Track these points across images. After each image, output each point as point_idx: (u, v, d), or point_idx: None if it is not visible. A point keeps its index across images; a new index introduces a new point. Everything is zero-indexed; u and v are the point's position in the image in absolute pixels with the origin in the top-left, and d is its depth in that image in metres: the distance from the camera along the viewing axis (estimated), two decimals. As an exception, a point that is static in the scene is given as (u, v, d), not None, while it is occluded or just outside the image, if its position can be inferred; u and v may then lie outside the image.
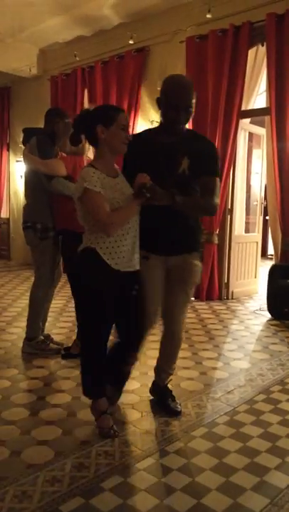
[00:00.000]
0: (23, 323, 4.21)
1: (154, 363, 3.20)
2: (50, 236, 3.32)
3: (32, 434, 2.27)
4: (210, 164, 2.28)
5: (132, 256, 2.18)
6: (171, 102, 2.19)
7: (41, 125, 3.57)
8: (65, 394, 2.74)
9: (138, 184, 2.09)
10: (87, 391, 2.31)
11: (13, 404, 2.61)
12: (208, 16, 5.03)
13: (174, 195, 2.12)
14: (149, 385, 2.85)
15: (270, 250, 7.49)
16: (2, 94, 8.26)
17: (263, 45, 4.88)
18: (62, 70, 6.98)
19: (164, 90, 2.25)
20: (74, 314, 3.42)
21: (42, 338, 3.47)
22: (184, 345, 3.60)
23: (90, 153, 3.24)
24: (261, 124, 5.58)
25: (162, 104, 2.24)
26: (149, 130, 2.48)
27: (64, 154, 3.28)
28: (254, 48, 5.03)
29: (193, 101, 2.24)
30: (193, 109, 2.26)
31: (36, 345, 3.41)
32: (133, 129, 6.01)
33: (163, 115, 2.26)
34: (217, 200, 2.26)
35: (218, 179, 2.28)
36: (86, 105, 6.67)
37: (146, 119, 5.95)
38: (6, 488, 1.84)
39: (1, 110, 8.29)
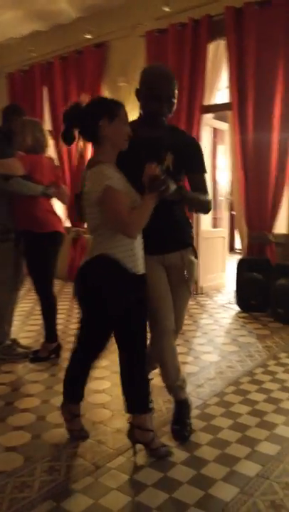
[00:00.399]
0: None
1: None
2: (11, 238, 3.25)
3: (1, 441, 2.21)
4: (197, 161, 2.20)
5: (142, 257, 2.03)
6: (152, 92, 2.06)
7: (-1, 124, 3.48)
8: (34, 398, 2.69)
9: (150, 177, 1.88)
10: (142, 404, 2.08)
11: (-19, 411, 2.54)
12: (167, 9, 5.02)
13: (182, 189, 2.02)
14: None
15: (238, 244, 7.59)
16: None
17: (223, 40, 4.92)
18: (19, 66, 6.83)
19: (145, 80, 2.13)
20: (41, 317, 3.38)
21: (9, 342, 3.39)
22: None
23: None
24: (225, 120, 5.64)
25: (142, 95, 2.12)
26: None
27: (21, 153, 3.21)
28: (215, 43, 5.05)
29: (176, 91, 2.12)
30: (176, 100, 2.14)
31: (3, 350, 3.33)
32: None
33: (143, 107, 2.14)
34: (210, 197, 2.23)
35: (206, 175, 2.24)
36: (45, 103, 6.57)
37: (108, 116, 5.90)
38: (-27, 498, 1.78)
39: None
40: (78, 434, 2.21)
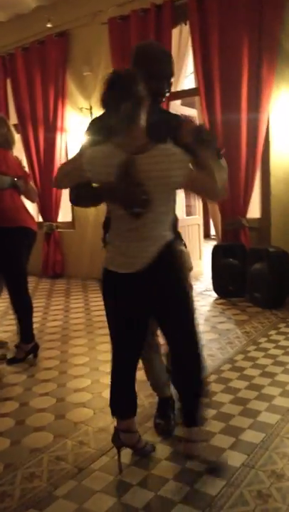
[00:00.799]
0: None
1: (103, 357, 3.16)
2: None
3: (-22, 449, 2.14)
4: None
5: None
6: (152, 71, 1.89)
7: None
8: (13, 401, 2.61)
9: (195, 129, 1.73)
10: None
11: None
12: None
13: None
14: (102, 380, 2.79)
15: (213, 231, 7.59)
16: None
17: (186, 24, 4.84)
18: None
19: (140, 59, 1.97)
20: (15, 317, 3.28)
21: None
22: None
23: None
24: (193, 105, 5.58)
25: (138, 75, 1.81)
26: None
27: None
28: (178, 28, 4.98)
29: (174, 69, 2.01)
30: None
31: None
32: (62, 117, 5.83)
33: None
34: None
35: None
36: (10, 96, 6.37)
37: (75, 107, 5.76)
38: None
39: None
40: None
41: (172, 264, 1.78)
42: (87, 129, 2.04)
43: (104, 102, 1.71)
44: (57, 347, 3.49)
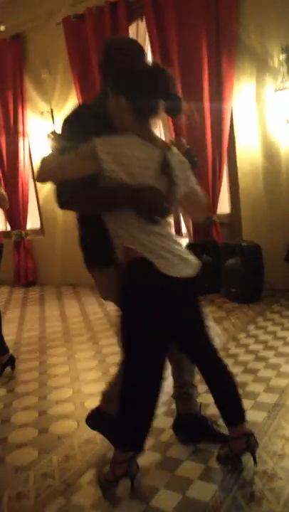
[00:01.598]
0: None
1: (83, 365, 3.10)
2: None
3: None
4: None
5: None
6: (129, 62, 1.74)
7: None
8: (-7, 419, 2.52)
9: (186, 150, 1.91)
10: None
11: None
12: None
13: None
14: (83, 389, 2.73)
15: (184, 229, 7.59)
16: None
17: (142, 21, 4.80)
18: None
19: (115, 53, 1.82)
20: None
21: None
22: (113, 340, 3.51)
23: None
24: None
25: (114, 69, 1.72)
26: (90, 108, 1.89)
27: None
28: (134, 24, 4.93)
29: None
30: None
31: None
32: (23, 122, 5.70)
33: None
34: None
35: None
36: None
37: (35, 111, 5.65)
38: None
39: None
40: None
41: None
42: (76, 116, 1.79)
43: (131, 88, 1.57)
44: (35, 358, 3.40)
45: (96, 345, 3.52)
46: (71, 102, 5.36)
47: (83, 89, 5.11)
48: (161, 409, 2.34)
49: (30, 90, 5.66)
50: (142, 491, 1.76)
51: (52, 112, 5.49)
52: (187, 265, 1.65)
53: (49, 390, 2.80)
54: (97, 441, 2.15)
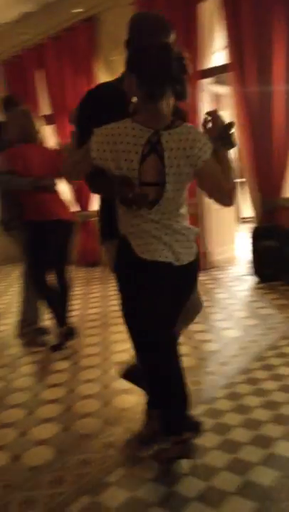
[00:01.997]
0: (9, 319, 4.11)
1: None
2: (16, 225, 3.25)
3: (30, 435, 2.20)
4: None
5: None
6: (146, 41, 1.71)
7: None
8: (60, 388, 2.66)
9: (221, 126, 1.71)
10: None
11: (9, 405, 2.53)
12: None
13: None
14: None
15: (245, 213, 7.44)
16: None
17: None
18: (12, 52, 6.62)
19: (132, 32, 1.82)
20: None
21: (37, 327, 3.46)
22: None
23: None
24: (224, 83, 5.43)
25: (132, 46, 1.76)
26: (112, 83, 1.95)
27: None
28: (205, 1, 4.81)
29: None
30: None
31: (29, 332, 3.36)
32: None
33: None
34: None
35: None
36: (42, 86, 6.37)
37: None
38: (11, 496, 1.77)
39: None
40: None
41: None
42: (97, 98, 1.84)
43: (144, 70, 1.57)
44: (98, 334, 3.53)
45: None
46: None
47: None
48: (222, 392, 2.37)
49: (100, 72, 5.73)
50: (202, 469, 1.81)
51: (121, 94, 5.54)
52: (170, 251, 1.67)
53: (111, 365, 2.91)
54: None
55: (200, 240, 5.26)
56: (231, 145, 1.72)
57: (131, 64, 1.61)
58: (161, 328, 1.74)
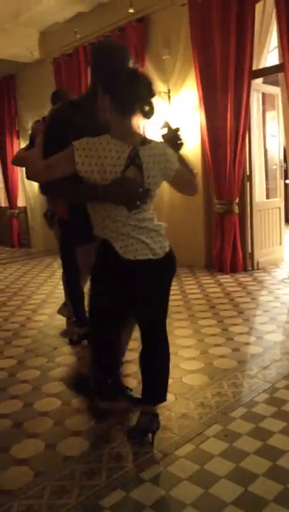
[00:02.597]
0: (48, 309, 4.18)
1: (181, 342, 3.13)
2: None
3: (65, 425, 2.21)
4: None
5: None
6: (121, 61, 2.02)
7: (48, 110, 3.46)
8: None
9: (174, 130, 2.07)
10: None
11: (45, 394, 2.55)
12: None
13: None
14: (182, 365, 2.77)
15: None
16: (7, 82, 8.09)
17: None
18: (63, 50, 6.74)
19: (100, 57, 2.10)
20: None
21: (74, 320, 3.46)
22: (212, 321, 3.51)
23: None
24: (275, 83, 5.31)
25: (104, 70, 2.00)
26: (76, 102, 2.20)
27: None
28: (261, 2, 4.71)
29: None
30: None
31: (69, 325, 3.38)
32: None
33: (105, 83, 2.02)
34: None
35: None
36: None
37: (153, 91, 5.70)
38: (44, 484, 1.78)
39: (7, 98, 8.13)
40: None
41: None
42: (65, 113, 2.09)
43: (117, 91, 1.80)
44: (136, 329, 3.50)
45: (195, 324, 3.53)
46: (189, 83, 5.33)
47: (202, 71, 5.04)
48: (263, 396, 2.29)
49: (150, 71, 5.71)
50: (240, 474, 1.74)
51: (169, 92, 5.51)
52: (148, 249, 1.86)
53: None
54: (194, 418, 2.18)
55: (244, 240, 5.20)
56: (181, 146, 2.07)
57: (105, 86, 1.86)
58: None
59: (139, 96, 1.80)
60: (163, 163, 1.88)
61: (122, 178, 1.78)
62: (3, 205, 9.05)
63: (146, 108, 1.82)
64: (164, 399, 2.06)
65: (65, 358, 3.07)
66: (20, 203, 8.52)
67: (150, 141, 1.88)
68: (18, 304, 4.56)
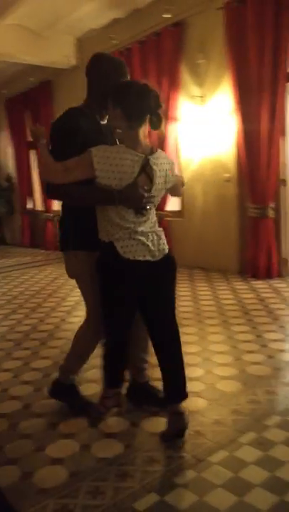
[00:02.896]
0: (81, 312, 4.22)
1: (214, 348, 3.12)
2: None
3: (100, 426, 2.24)
4: None
5: None
6: (118, 75, 2.16)
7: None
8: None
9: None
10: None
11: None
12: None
13: None
14: (215, 371, 2.76)
15: None
16: (44, 87, 8.28)
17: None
18: (99, 56, 6.84)
19: (103, 66, 2.21)
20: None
21: None
22: (245, 328, 3.48)
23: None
24: None
25: (105, 82, 2.13)
26: (81, 109, 2.26)
27: None
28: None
29: None
30: None
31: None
32: (174, 107, 5.82)
33: (102, 95, 2.13)
34: None
35: None
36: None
37: (187, 96, 5.72)
38: (78, 484, 1.81)
39: (43, 104, 8.32)
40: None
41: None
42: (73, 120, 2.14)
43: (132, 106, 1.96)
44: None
45: (228, 330, 3.50)
46: (223, 88, 5.31)
47: (237, 75, 5.02)
48: (273, 420, 2.21)
49: (185, 75, 5.74)
50: (275, 483, 1.72)
51: (203, 96, 5.50)
52: (147, 251, 2.01)
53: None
54: (227, 424, 2.17)
55: (279, 245, 5.12)
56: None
57: (116, 99, 1.98)
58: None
59: (148, 108, 1.97)
60: (165, 171, 2.05)
61: (135, 185, 1.94)
62: (39, 208, 9.24)
63: (154, 119, 2.01)
64: (183, 396, 2.12)
65: (98, 360, 3.09)
66: (56, 206, 8.69)
67: (157, 150, 2.04)
68: (52, 305, 4.65)
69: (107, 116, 2.22)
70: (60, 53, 6.99)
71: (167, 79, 5.81)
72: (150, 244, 2.01)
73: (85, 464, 1.96)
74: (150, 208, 2.02)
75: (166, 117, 5.86)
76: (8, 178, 9.87)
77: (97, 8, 6.08)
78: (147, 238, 2.01)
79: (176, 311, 3.93)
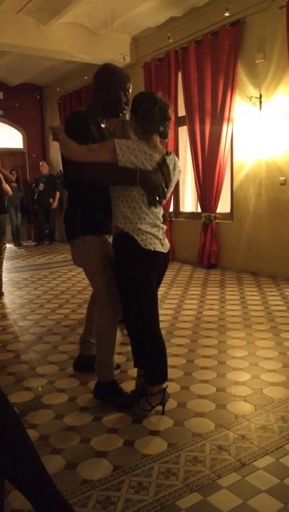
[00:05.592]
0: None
1: (262, 353, 3.06)
2: None
3: (144, 424, 2.26)
4: None
5: None
6: (124, 86, 2.38)
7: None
8: (174, 383, 2.67)
9: None
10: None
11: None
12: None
13: None
14: (262, 377, 2.71)
15: None
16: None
17: None
18: (154, 55, 6.87)
19: (113, 76, 2.38)
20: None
21: None
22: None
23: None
24: None
25: (112, 90, 2.36)
26: (86, 112, 2.44)
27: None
28: None
29: None
30: None
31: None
32: (230, 108, 5.74)
33: (112, 100, 2.37)
34: None
35: None
36: (180, 88, 6.52)
37: (243, 96, 5.63)
38: (122, 478, 1.84)
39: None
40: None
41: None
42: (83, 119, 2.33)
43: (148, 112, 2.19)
44: (214, 336, 3.49)
45: (277, 336, 3.42)
46: (282, 88, 5.19)
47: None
48: None
49: (242, 75, 5.65)
50: None
51: (260, 97, 5.40)
52: (160, 243, 2.24)
53: (228, 370, 2.85)
54: (275, 430, 2.13)
55: None
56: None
57: (132, 108, 2.25)
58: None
59: (155, 119, 2.17)
60: (177, 169, 2.28)
61: (158, 171, 2.14)
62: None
63: (162, 129, 2.20)
64: (166, 376, 2.37)
65: (118, 357, 3.07)
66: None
67: (170, 153, 2.25)
68: (79, 302, 4.72)
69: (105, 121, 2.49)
70: (116, 52, 7.08)
71: (223, 79, 5.74)
72: (162, 237, 2.25)
73: (128, 459, 1.97)
74: (162, 203, 2.22)
75: (222, 117, 5.80)
76: (60, 176, 10.12)
77: (155, 7, 6.11)
78: (158, 232, 2.23)
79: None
